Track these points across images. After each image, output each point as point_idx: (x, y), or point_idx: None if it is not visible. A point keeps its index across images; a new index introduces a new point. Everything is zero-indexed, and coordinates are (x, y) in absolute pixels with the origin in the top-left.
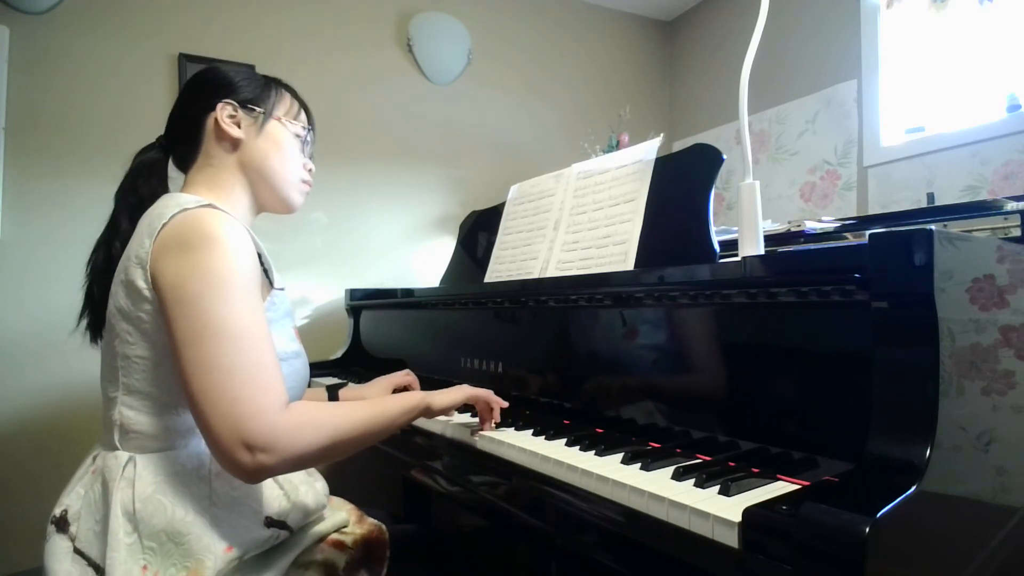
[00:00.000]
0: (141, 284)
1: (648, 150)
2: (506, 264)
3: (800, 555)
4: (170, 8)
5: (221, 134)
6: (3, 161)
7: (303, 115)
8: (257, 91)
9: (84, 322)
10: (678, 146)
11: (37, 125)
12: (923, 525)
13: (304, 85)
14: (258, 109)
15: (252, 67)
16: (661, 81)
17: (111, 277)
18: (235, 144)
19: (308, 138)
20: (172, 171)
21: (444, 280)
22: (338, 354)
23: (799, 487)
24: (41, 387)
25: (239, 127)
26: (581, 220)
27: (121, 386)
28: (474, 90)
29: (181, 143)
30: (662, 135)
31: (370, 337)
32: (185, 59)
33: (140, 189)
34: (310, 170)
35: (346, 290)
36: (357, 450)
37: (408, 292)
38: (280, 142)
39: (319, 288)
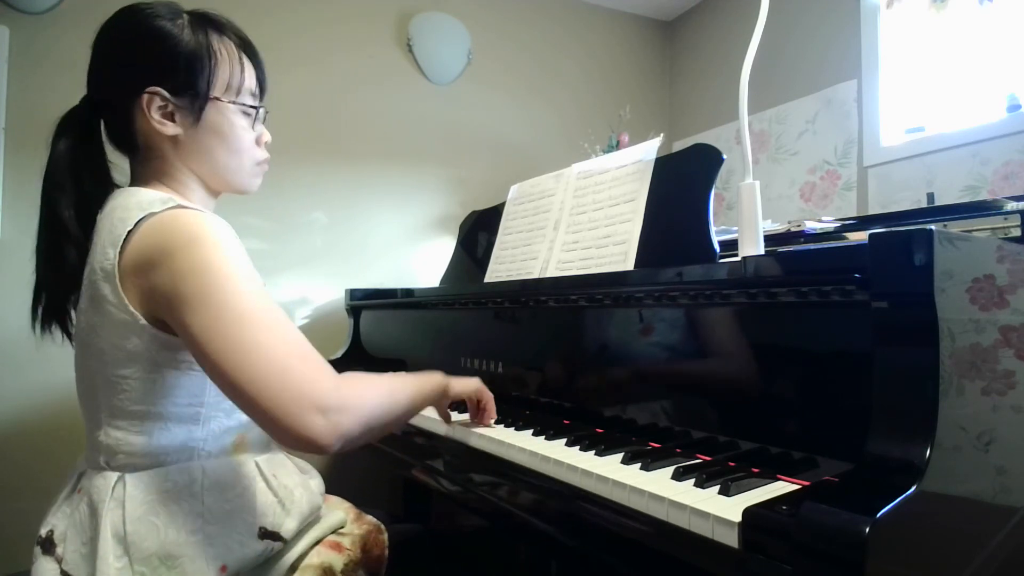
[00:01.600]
0: (112, 299)
1: (648, 150)
2: (506, 264)
3: (800, 555)
4: None
5: (154, 129)
6: (3, 161)
7: (250, 78)
8: (187, 67)
9: (39, 323)
10: (678, 146)
11: (37, 125)
12: (923, 525)
13: (304, 85)
14: (191, 92)
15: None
16: (661, 81)
17: (68, 283)
18: (173, 140)
19: (261, 114)
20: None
21: (444, 280)
22: (338, 354)
23: (799, 487)
24: (41, 387)
25: (173, 119)
26: (581, 220)
27: (104, 407)
28: (474, 90)
29: (109, 118)
30: (662, 135)
31: (370, 337)
32: None
33: (78, 169)
34: (266, 142)
35: (346, 290)
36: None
37: (408, 292)
38: (223, 131)
39: (319, 288)
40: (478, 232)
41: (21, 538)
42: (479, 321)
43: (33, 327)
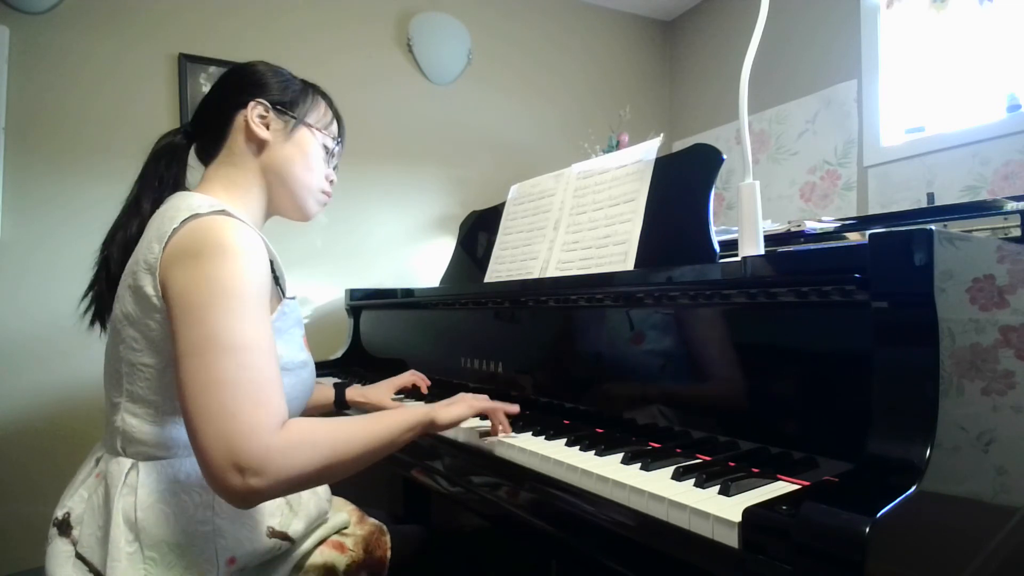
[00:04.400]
0: (150, 291)
1: (648, 150)
2: (506, 264)
3: (800, 555)
4: (170, 9)
5: (249, 134)
6: (3, 161)
7: (335, 126)
8: (292, 95)
9: (86, 306)
10: (678, 146)
11: (37, 125)
12: (923, 525)
13: None
14: (290, 113)
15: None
16: (661, 81)
17: (126, 258)
18: (261, 146)
19: (336, 151)
20: (192, 160)
21: (444, 280)
22: (338, 354)
23: (799, 487)
24: (41, 387)
25: (268, 128)
26: (581, 220)
27: (125, 393)
28: (474, 90)
29: (207, 135)
30: (662, 135)
31: (370, 337)
32: (185, 59)
33: (161, 173)
34: (331, 181)
35: (346, 290)
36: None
37: (408, 292)
38: (306, 150)
39: (319, 288)
40: (478, 232)
41: (21, 538)
42: (479, 321)
43: (82, 312)
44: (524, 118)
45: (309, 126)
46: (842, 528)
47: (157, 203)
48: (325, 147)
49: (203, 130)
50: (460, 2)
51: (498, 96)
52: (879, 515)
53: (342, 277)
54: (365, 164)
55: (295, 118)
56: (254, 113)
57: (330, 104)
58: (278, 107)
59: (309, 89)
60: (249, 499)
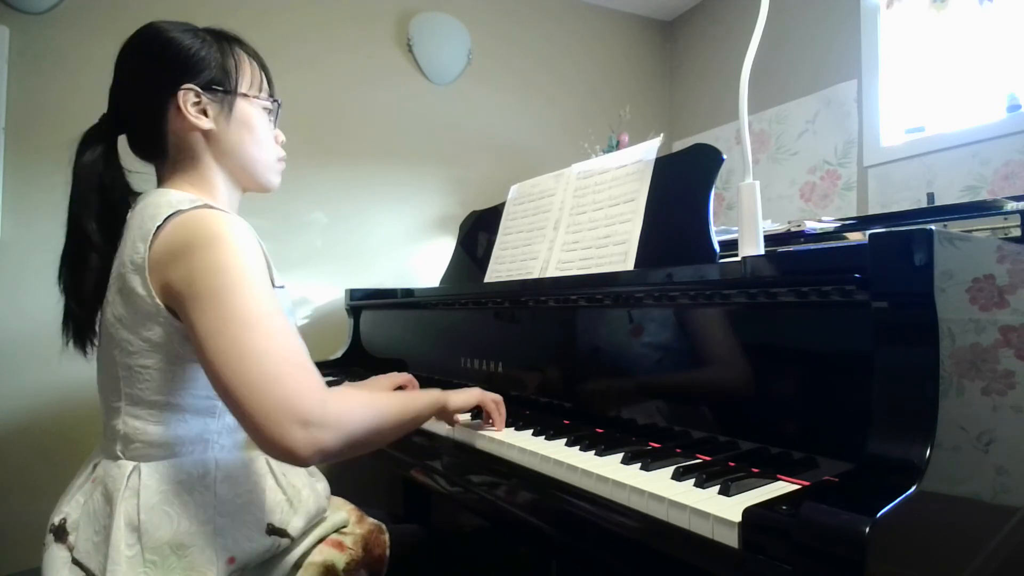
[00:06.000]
0: (141, 291)
1: (648, 150)
2: (506, 264)
3: (800, 555)
4: (170, 9)
5: (189, 125)
6: (3, 161)
7: (266, 83)
8: (217, 65)
9: (70, 337)
10: (678, 146)
11: (37, 125)
12: (923, 525)
13: (305, 85)
14: (223, 90)
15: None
16: (661, 81)
17: (92, 291)
18: (206, 135)
19: (276, 110)
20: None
21: (444, 280)
22: (338, 354)
23: (799, 487)
24: (41, 388)
25: (207, 115)
26: (581, 220)
27: (124, 396)
28: (474, 90)
29: (138, 129)
30: (662, 135)
31: (370, 337)
32: None
33: (103, 182)
34: (282, 143)
35: (346, 290)
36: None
37: (408, 292)
38: (252, 124)
39: (319, 288)
40: (478, 232)
41: (21, 538)
42: (479, 321)
43: (65, 341)
44: (524, 118)
45: (245, 95)
46: (842, 528)
47: (110, 221)
48: (266, 109)
49: (130, 123)
50: (460, 2)
51: (498, 96)
52: (879, 515)
53: (342, 277)
54: (365, 164)
55: (229, 92)
56: (187, 103)
57: (251, 55)
58: (211, 87)
59: (226, 46)
60: (315, 454)
